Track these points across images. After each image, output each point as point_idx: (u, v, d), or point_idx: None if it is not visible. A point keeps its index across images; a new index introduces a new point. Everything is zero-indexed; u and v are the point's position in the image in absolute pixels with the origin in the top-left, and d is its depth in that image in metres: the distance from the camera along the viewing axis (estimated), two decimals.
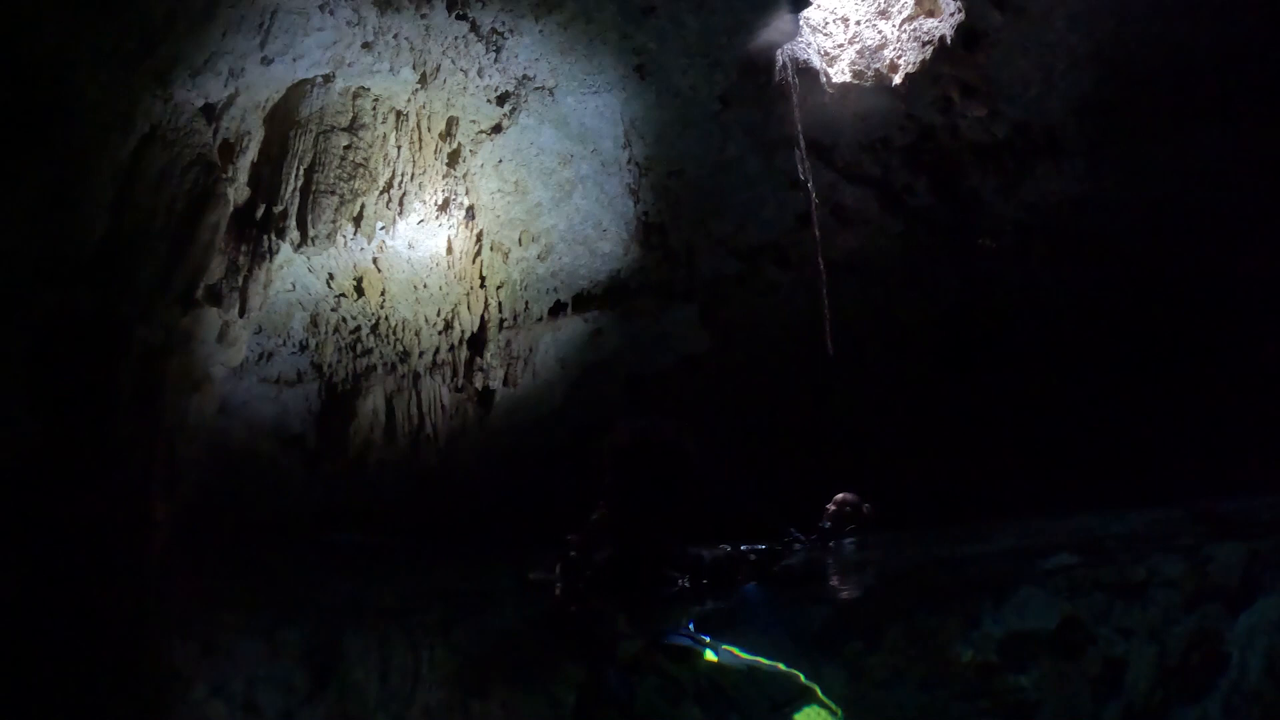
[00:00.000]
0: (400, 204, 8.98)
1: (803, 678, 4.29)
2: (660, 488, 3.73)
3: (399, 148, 8.80)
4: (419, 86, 8.49)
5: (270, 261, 8.64)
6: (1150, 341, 9.83)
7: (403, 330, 10.25)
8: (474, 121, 8.93)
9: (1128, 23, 8.68)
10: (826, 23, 9.68)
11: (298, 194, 8.55)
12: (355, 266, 9.79)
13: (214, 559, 9.67)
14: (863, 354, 10.14)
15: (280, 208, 8.38)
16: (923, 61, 9.22)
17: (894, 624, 8.46)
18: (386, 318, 10.19)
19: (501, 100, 8.76)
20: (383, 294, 9.93)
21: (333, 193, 8.73)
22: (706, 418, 10.96)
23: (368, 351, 10.53)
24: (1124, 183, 9.49)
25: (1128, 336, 9.86)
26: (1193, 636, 7.41)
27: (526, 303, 10.25)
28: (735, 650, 6.59)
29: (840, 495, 7.58)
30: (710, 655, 6.57)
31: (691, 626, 7.13)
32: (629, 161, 9.33)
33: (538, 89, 8.72)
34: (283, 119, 8.41)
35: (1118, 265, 9.79)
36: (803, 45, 9.27)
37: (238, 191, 8.16)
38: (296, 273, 9.97)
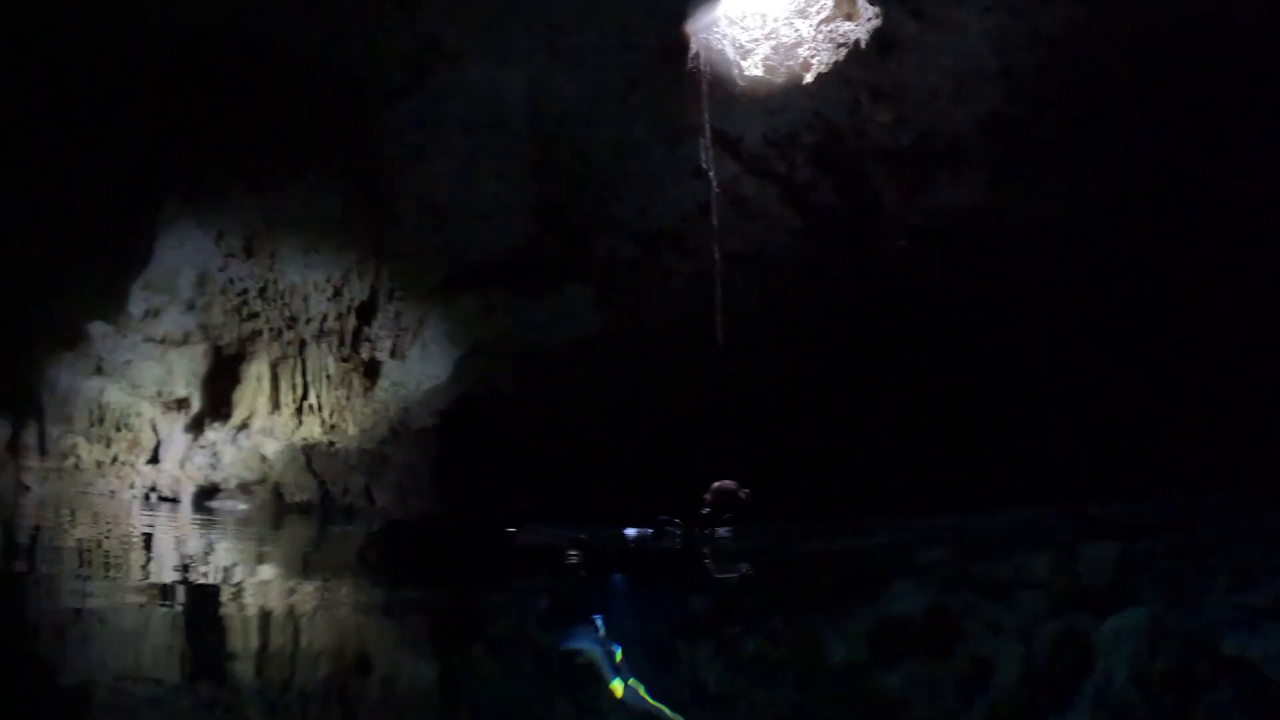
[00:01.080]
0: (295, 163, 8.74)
1: None
2: None
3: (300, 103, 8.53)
4: (326, 41, 8.23)
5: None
6: (1036, 350, 10.08)
7: (291, 295, 9.95)
8: (379, 83, 8.70)
9: (1039, 44, 8.85)
10: (745, 16, 9.66)
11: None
12: (245, 225, 9.46)
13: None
14: (755, 345, 10.16)
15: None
16: (836, 63, 9.28)
17: (772, 616, 8.50)
18: (275, 281, 9.88)
19: (409, 63, 8.55)
20: (272, 256, 9.62)
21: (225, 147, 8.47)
22: (596, 399, 10.94)
23: (255, 315, 10.19)
24: (1022, 197, 9.72)
25: (1015, 343, 10.09)
26: (1060, 638, 7.55)
27: (418, 273, 10.00)
28: (641, 690, 6.51)
29: (718, 483, 7.54)
30: (617, 687, 6.50)
31: (601, 626, 7.00)
32: (533, 137, 9.19)
33: (447, 55, 8.53)
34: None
35: (1010, 276, 10.02)
36: (718, 36, 9.26)
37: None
38: (185, 228, 9.61)
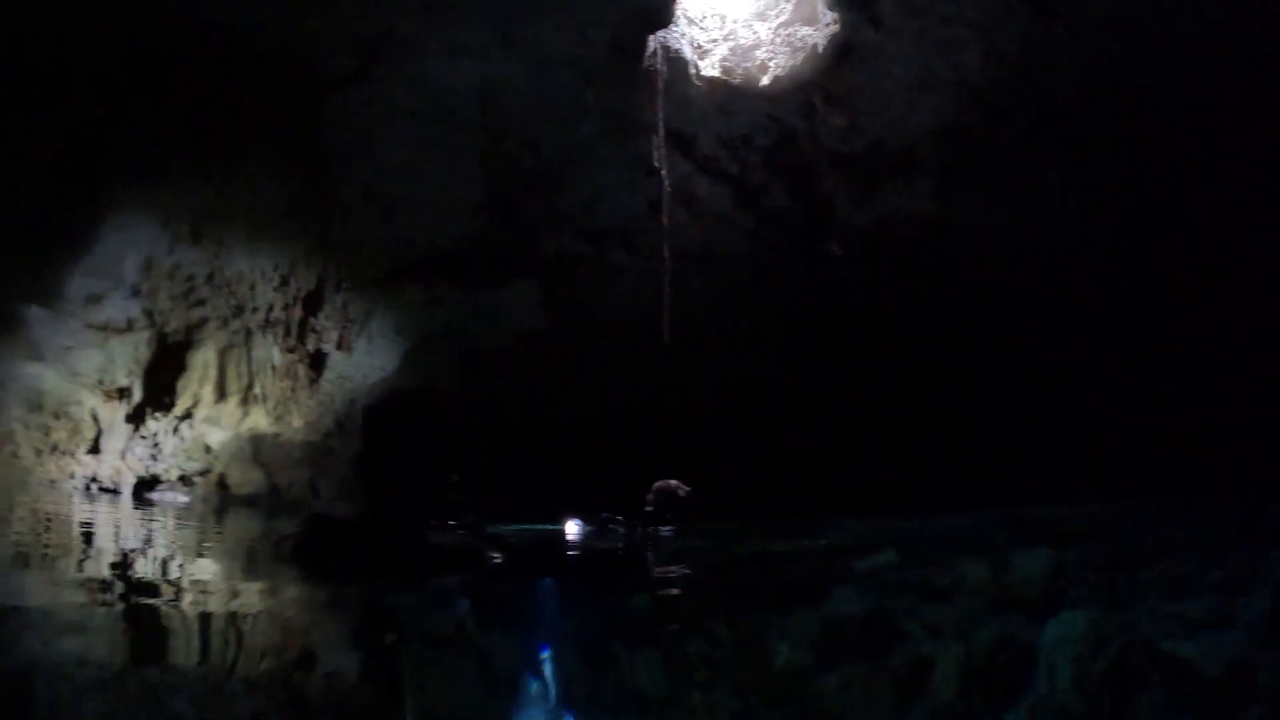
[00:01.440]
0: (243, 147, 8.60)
1: None
2: None
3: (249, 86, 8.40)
4: (277, 24, 8.11)
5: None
6: (981, 355, 10.19)
7: (238, 282, 9.77)
8: (330, 68, 8.58)
9: (994, 58, 8.94)
10: (704, 16, 9.68)
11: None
12: (193, 210, 9.28)
13: None
14: (704, 345, 10.18)
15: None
16: (793, 67, 9.34)
17: (713, 618, 8.46)
18: (223, 268, 9.71)
19: (362, 50, 8.44)
20: (219, 242, 9.45)
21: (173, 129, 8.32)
22: (542, 396, 10.90)
23: (201, 302, 10.01)
24: (972, 206, 9.81)
25: (962, 349, 10.20)
26: (997, 644, 7.58)
27: (365, 264, 9.86)
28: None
29: (660, 482, 7.55)
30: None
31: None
32: (484, 129, 9.08)
33: (400, 43, 8.42)
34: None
35: (959, 282, 10.12)
36: (676, 35, 9.24)
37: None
38: (130, 212, 9.43)
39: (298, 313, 9.94)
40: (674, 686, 8.24)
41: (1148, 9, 8.22)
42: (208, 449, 11.32)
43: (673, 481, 7.58)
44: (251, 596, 8.75)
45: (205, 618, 8.68)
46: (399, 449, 10.62)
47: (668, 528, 7.58)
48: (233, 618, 8.69)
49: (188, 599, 8.52)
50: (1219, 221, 9.14)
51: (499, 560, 6.91)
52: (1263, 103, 8.45)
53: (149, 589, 8.52)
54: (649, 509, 7.57)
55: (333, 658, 8.70)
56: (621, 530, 7.57)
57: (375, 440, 10.91)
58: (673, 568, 8.38)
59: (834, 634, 7.87)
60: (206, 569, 8.48)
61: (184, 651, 8.52)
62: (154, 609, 8.44)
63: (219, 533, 9.70)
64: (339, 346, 10.14)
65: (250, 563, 8.50)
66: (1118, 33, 8.45)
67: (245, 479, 11.57)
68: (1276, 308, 8.90)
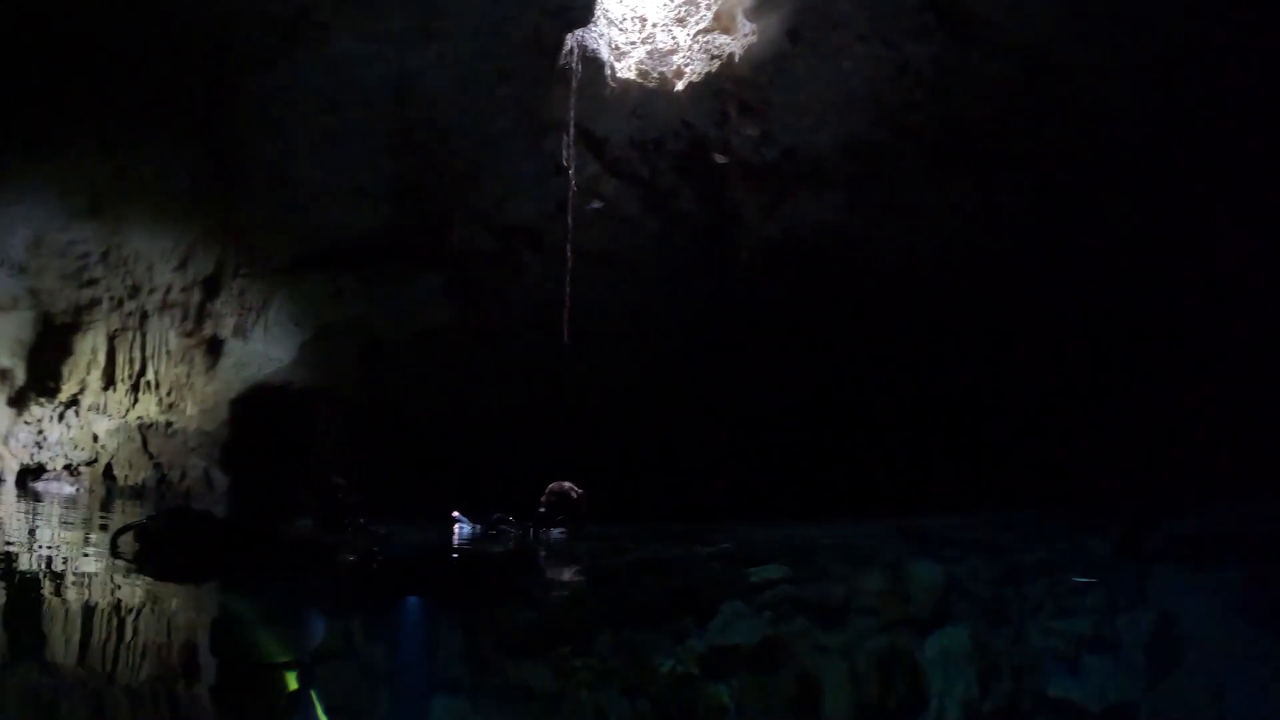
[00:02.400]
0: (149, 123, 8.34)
1: None
2: None
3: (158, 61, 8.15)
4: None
5: None
6: (882, 367, 10.41)
7: (135, 262, 9.45)
8: (244, 48, 8.36)
9: (908, 76, 9.11)
10: (624, 19, 9.67)
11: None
12: (92, 185, 8.94)
13: None
14: (606, 346, 10.18)
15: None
16: (708, 74, 9.37)
17: (601, 633, 8.37)
18: (120, 246, 9.38)
19: (277, 31, 8.25)
20: (118, 219, 9.12)
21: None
22: (442, 392, 10.76)
23: (93, 282, 9.64)
24: (880, 220, 9.97)
25: (864, 359, 10.38)
26: (886, 661, 7.67)
27: (267, 250, 9.66)
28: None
29: (555, 484, 7.47)
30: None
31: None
32: (396, 119, 8.97)
33: (317, 25, 8.25)
34: None
35: (864, 294, 10.28)
36: (595, 35, 9.20)
37: None
38: (24, 184, 9.04)
39: (196, 296, 9.70)
40: (564, 684, 8.12)
41: (1060, 42, 8.46)
42: (95, 437, 10.94)
43: (566, 483, 7.50)
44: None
45: None
46: (288, 442, 10.37)
47: (560, 530, 7.50)
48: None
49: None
50: (1116, 241, 9.48)
51: (362, 563, 6.69)
52: (1162, 130, 8.78)
53: None
54: (542, 510, 7.47)
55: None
56: (513, 532, 7.45)
57: (262, 432, 10.63)
58: (564, 573, 8.29)
59: (723, 649, 7.83)
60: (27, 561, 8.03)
61: None
62: None
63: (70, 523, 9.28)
64: (236, 333, 9.90)
65: (81, 555, 8.08)
66: (1029, 62, 8.67)
67: (135, 468, 11.20)
68: (1175, 325, 9.26)
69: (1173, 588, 7.33)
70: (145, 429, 10.75)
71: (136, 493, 10.90)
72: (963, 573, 8.27)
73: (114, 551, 6.37)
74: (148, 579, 6.96)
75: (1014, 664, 7.21)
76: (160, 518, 6.25)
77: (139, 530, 6.01)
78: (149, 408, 10.23)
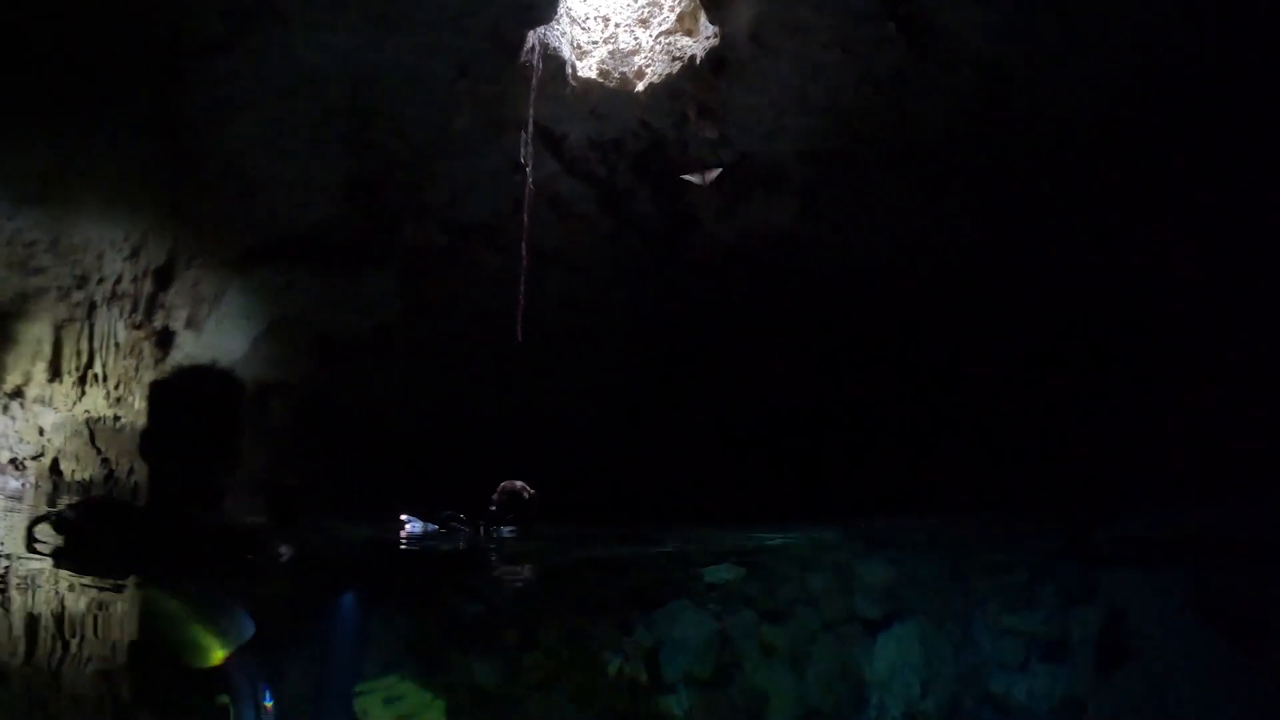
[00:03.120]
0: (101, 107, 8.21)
1: None
2: None
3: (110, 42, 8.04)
4: None
5: None
6: (833, 371, 10.49)
7: (85, 250, 9.27)
8: (198, 32, 8.22)
9: (867, 85, 9.18)
10: (587, 18, 9.66)
11: None
12: (41, 169, 8.76)
13: None
14: (560, 346, 10.19)
15: None
16: (669, 75, 9.38)
17: (549, 629, 8.33)
18: (70, 233, 9.20)
19: (232, 16, 8.11)
20: (67, 204, 8.96)
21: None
22: (395, 389, 10.68)
23: (40, 270, 9.44)
24: (835, 227, 10.06)
25: (816, 362, 10.46)
26: (834, 662, 7.68)
27: (220, 241, 9.46)
28: None
29: (506, 482, 7.51)
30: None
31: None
32: (352, 111, 8.86)
33: (273, 12, 8.12)
34: None
35: (818, 298, 10.36)
36: (557, 33, 9.18)
37: None
38: None
39: (147, 287, 9.48)
40: (513, 687, 8.07)
41: (1019, 59, 8.56)
42: (40, 430, 10.73)
43: (518, 482, 7.53)
44: None
45: None
46: (214, 431, 10.19)
47: (510, 529, 7.49)
48: None
49: None
50: (1066, 252, 9.62)
51: (285, 556, 6.59)
52: (1116, 146, 8.94)
53: None
54: (493, 509, 7.48)
55: None
56: (464, 530, 7.43)
57: (186, 420, 10.45)
58: (513, 570, 8.26)
59: (670, 648, 7.84)
60: None
61: None
62: None
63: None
64: (188, 326, 9.72)
65: None
66: (988, 75, 8.76)
67: (82, 463, 10.99)
68: (1124, 333, 9.42)
69: (1121, 586, 7.40)
70: (93, 423, 10.54)
71: (85, 488, 10.71)
72: (911, 571, 8.31)
73: (30, 544, 6.24)
74: (66, 571, 6.84)
75: (961, 661, 7.23)
76: (76, 507, 6.14)
77: (55, 521, 5.89)
78: (96, 401, 10.01)
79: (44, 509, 7.08)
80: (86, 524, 5.88)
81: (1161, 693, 6.56)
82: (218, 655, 6.41)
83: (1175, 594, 7.12)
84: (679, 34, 9.53)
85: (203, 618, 6.47)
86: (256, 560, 6.50)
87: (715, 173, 9.71)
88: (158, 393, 8.63)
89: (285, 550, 6.50)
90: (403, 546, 7.35)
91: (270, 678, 6.12)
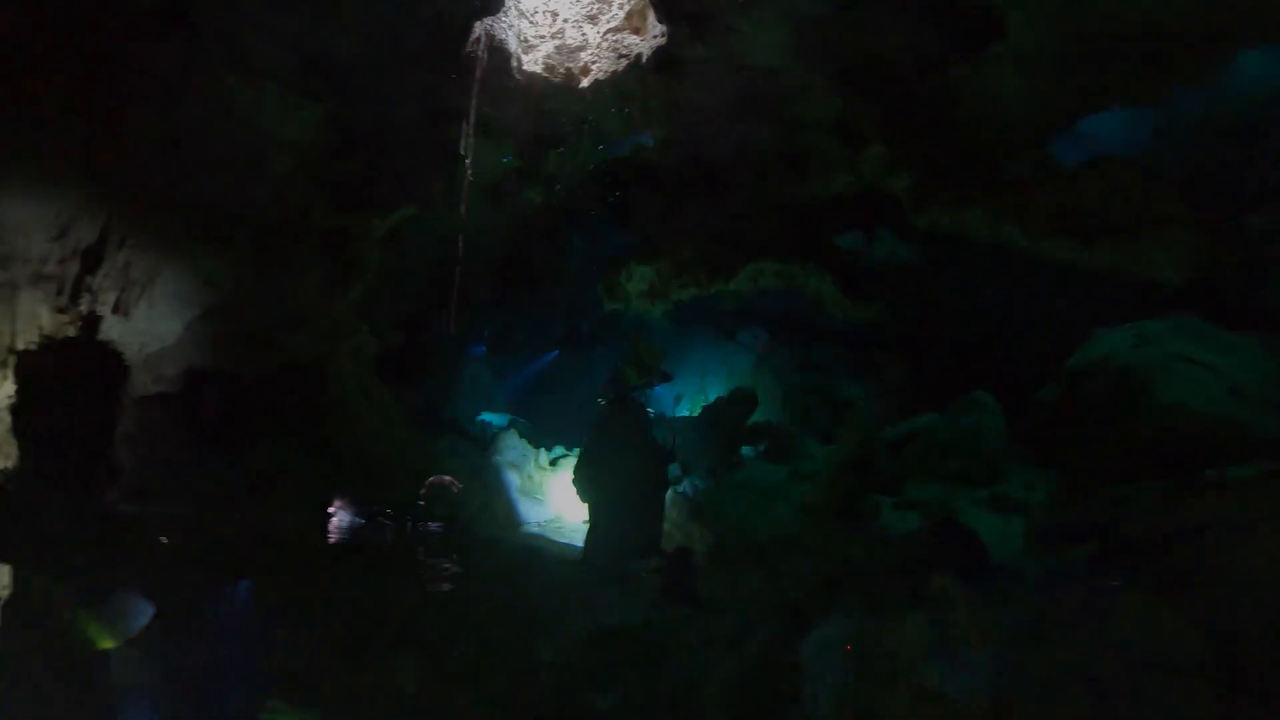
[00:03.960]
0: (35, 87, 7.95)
1: None
2: None
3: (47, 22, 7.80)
4: None
5: None
6: None
7: (11, 230, 8.93)
8: (139, 12, 8.10)
9: (819, 79, 9.23)
10: (536, 11, 9.60)
11: None
12: None
13: None
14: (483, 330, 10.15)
15: None
16: (614, 73, 9.39)
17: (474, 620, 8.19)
18: None
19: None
20: None
21: None
22: (328, 378, 10.47)
23: None
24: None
25: None
26: (766, 655, 7.65)
27: (157, 223, 9.12)
28: None
29: (434, 478, 7.52)
30: None
31: None
32: (300, 93, 8.75)
33: None
34: None
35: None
36: (504, 25, 9.14)
37: None
38: None
39: (74, 268, 9.16)
40: (435, 681, 7.97)
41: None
42: None
43: (446, 477, 7.54)
44: None
45: None
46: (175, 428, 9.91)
47: (438, 523, 7.47)
48: None
49: None
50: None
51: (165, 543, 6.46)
52: None
53: None
54: (421, 504, 7.47)
55: None
56: (390, 525, 7.38)
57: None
58: (438, 564, 8.18)
59: (600, 637, 7.77)
60: None
61: None
62: None
63: None
64: (116, 310, 9.37)
65: None
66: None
67: (5, 453, 10.61)
68: None
69: (1052, 577, 7.41)
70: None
71: (9, 478, 10.34)
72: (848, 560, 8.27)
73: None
74: None
75: (893, 654, 7.23)
76: None
77: None
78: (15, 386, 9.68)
79: None
80: None
81: (1093, 684, 6.63)
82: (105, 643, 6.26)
83: (1106, 583, 7.21)
84: (627, 32, 9.50)
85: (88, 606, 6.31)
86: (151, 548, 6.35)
87: None
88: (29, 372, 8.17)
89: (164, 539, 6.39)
90: (330, 538, 7.26)
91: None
